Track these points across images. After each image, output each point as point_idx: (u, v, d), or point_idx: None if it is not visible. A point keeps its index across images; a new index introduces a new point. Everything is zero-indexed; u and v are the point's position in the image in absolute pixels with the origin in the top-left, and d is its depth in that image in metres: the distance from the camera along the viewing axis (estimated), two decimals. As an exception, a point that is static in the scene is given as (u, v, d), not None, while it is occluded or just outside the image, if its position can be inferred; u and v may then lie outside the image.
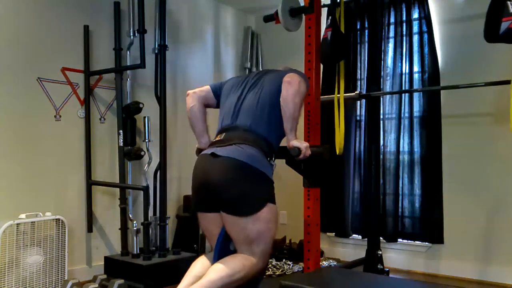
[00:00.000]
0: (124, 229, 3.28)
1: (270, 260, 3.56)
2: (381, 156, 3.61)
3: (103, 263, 3.21)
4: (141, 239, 3.15)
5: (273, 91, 2.12)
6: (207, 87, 2.35)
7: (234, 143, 2.01)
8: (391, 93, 3.67)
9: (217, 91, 2.33)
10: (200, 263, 2.05)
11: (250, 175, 1.96)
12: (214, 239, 2.07)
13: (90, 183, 3.23)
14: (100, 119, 3.38)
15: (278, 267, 3.48)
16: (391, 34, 3.74)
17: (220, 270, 1.87)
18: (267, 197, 1.99)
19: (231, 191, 1.94)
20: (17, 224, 2.62)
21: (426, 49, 3.56)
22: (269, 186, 2.03)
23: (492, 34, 2.26)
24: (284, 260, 3.64)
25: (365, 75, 3.84)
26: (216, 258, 1.98)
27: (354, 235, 3.98)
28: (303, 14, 2.75)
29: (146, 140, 3.42)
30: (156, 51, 3.44)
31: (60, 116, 3.14)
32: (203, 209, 2.07)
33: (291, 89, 2.04)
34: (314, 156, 2.16)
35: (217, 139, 2.13)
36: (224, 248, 2.03)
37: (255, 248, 1.96)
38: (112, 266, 3.15)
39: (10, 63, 2.88)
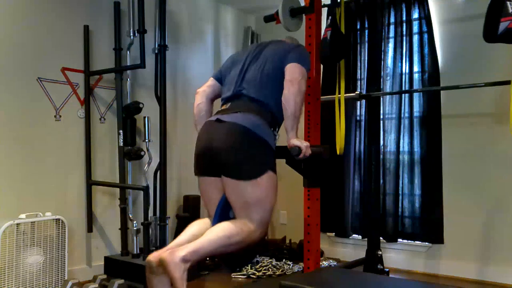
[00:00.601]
0: (124, 229, 3.28)
1: (270, 260, 3.57)
2: (381, 156, 3.61)
3: (103, 263, 3.21)
4: (141, 239, 3.15)
5: (276, 67, 2.16)
6: (210, 79, 2.41)
7: (240, 111, 2.07)
8: (391, 93, 3.67)
9: (219, 77, 2.38)
10: (198, 224, 2.10)
11: (253, 141, 2.00)
12: (212, 203, 2.10)
13: (90, 183, 3.23)
14: (100, 119, 3.38)
15: (278, 267, 3.48)
16: (391, 34, 3.74)
17: (218, 231, 1.90)
18: (268, 164, 2.03)
19: (234, 155, 1.98)
20: (17, 224, 2.61)
21: (426, 49, 3.56)
22: (271, 154, 2.07)
23: (491, 34, 2.26)
24: (284, 260, 3.64)
25: (365, 75, 3.84)
26: (215, 224, 2.00)
27: (354, 235, 3.98)
28: (303, 14, 2.75)
29: (146, 140, 3.42)
30: (156, 51, 3.44)
31: (60, 116, 3.14)
32: (204, 172, 2.10)
33: (293, 88, 2.06)
34: (314, 155, 2.16)
35: (222, 108, 2.18)
36: (223, 215, 2.05)
37: (253, 215, 1.98)
38: (112, 266, 3.15)
39: (10, 63, 2.88)
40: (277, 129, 2.18)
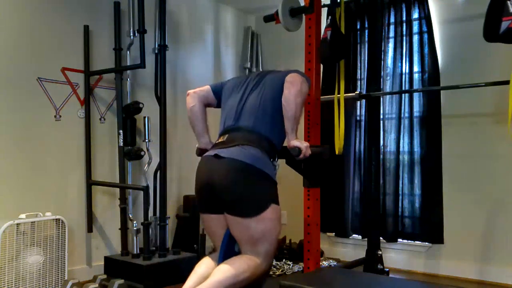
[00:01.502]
0: (124, 229, 3.28)
1: (270, 260, 3.56)
2: (381, 156, 3.61)
3: (103, 263, 3.21)
4: (141, 239, 3.15)
5: (275, 92, 2.13)
6: (207, 87, 2.36)
7: (237, 144, 2.03)
8: (391, 93, 3.67)
9: (217, 91, 2.34)
10: (205, 264, 2.07)
11: (254, 176, 1.97)
12: (217, 239, 2.09)
13: (90, 183, 3.23)
14: (100, 119, 3.38)
15: (278, 267, 3.48)
16: (391, 34, 3.74)
17: (226, 270, 1.89)
18: (270, 198, 2.01)
19: (235, 192, 1.95)
20: (17, 224, 2.61)
21: (426, 49, 3.56)
22: (273, 187, 2.04)
23: (492, 33, 2.26)
24: (284, 260, 3.64)
25: (365, 75, 3.84)
26: (221, 259, 2.01)
27: (354, 235, 3.98)
28: (303, 14, 2.75)
29: (146, 140, 3.42)
30: (156, 51, 3.44)
31: (60, 116, 3.14)
32: (207, 210, 2.08)
33: (293, 89, 2.05)
34: (314, 156, 2.16)
35: (220, 140, 2.13)
36: (229, 250, 2.05)
37: (259, 249, 1.98)
38: (112, 266, 3.15)
39: (10, 63, 2.88)
40: (276, 159, 2.16)
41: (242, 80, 2.30)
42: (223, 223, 2.04)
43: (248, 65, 4.53)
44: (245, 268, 1.91)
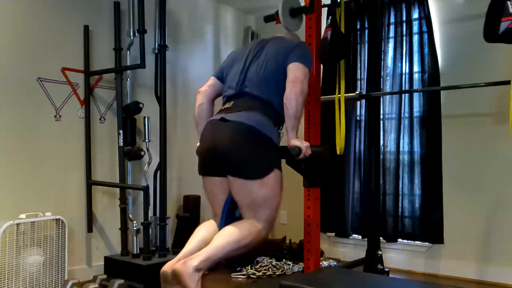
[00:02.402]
0: (124, 229, 3.28)
1: (270, 260, 3.56)
2: (381, 156, 3.61)
3: (103, 263, 3.21)
4: (141, 239, 3.15)
5: (279, 65, 2.15)
6: (211, 78, 2.39)
7: (243, 110, 2.06)
8: (391, 93, 3.67)
9: (221, 75, 2.36)
10: (205, 228, 2.09)
11: (259, 140, 2.00)
12: (217, 203, 2.10)
13: (90, 183, 3.23)
14: (100, 119, 3.38)
15: (278, 267, 3.48)
16: (391, 34, 3.74)
17: (227, 236, 1.90)
18: (274, 163, 2.03)
19: (240, 154, 1.97)
20: (17, 224, 2.62)
21: (426, 49, 3.56)
22: (276, 153, 2.07)
23: (492, 34, 2.26)
24: (284, 260, 3.64)
25: (365, 75, 3.84)
26: (222, 225, 2.01)
27: (354, 235, 3.98)
28: (303, 14, 2.75)
29: (146, 140, 3.42)
30: (156, 51, 3.44)
31: (60, 116, 3.14)
32: (209, 173, 2.09)
33: (295, 89, 2.06)
34: (314, 156, 2.16)
35: (225, 106, 2.16)
36: (230, 215, 2.05)
37: (260, 214, 1.99)
38: (112, 266, 3.15)
39: (10, 63, 2.88)
40: (281, 127, 2.18)
41: (241, 52, 2.34)
42: (225, 187, 2.05)
43: (248, 65, 4.52)
44: (246, 234, 1.92)
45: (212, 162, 2.06)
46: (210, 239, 1.93)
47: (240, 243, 1.90)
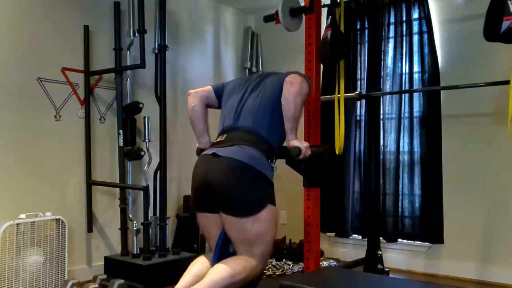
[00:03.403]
0: (124, 229, 3.28)
1: (270, 260, 3.56)
2: (381, 156, 3.61)
3: (103, 263, 3.21)
4: (141, 239, 3.15)
5: (275, 94, 2.12)
6: (208, 87, 2.35)
7: (236, 144, 2.01)
8: (391, 93, 3.67)
9: (218, 92, 2.33)
10: (200, 263, 2.05)
11: (251, 176, 1.96)
12: (212, 239, 2.07)
13: (90, 183, 3.23)
14: (100, 119, 3.38)
15: (278, 267, 3.48)
16: (391, 34, 3.74)
17: (222, 270, 1.87)
18: (267, 198, 1.99)
19: (231, 191, 1.94)
20: (17, 224, 2.61)
21: (426, 49, 3.56)
22: (269, 188, 2.03)
23: (493, 33, 2.26)
24: (284, 260, 3.64)
25: (365, 75, 3.84)
26: (215, 260, 1.98)
27: (354, 235, 3.98)
28: (303, 14, 2.75)
29: (146, 140, 3.42)
30: (156, 51, 3.44)
31: (60, 116, 3.14)
32: (202, 209, 2.07)
33: (293, 89, 2.04)
34: (314, 156, 2.16)
35: (218, 139, 2.13)
36: (223, 250, 2.02)
37: (254, 250, 1.96)
38: (112, 266, 3.15)
39: (10, 63, 2.88)
40: (274, 160, 2.13)
41: (243, 81, 2.30)
42: (219, 222, 2.02)
43: (248, 65, 4.53)
44: (241, 269, 1.89)
45: (204, 198, 2.03)
46: (204, 275, 1.90)
47: (235, 278, 1.86)
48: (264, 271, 2.14)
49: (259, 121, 2.11)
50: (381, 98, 3.55)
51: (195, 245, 3.57)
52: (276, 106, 2.10)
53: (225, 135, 2.12)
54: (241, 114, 2.15)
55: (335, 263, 3.74)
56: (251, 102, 2.16)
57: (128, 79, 3.48)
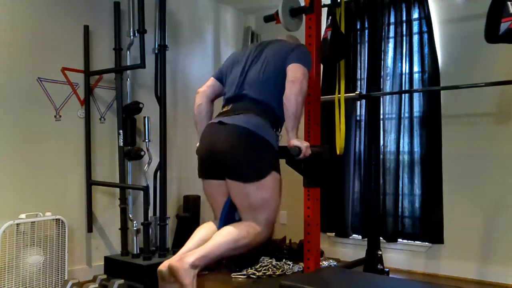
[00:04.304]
0: (124, 229, 3.28)
1: (270, 260, 3.57)
2: (381, 156, 3.61)
3: (103, 263, 3.21)
4: (141, 239, 3.15)
5: (278, 67, 2.16)
6: (211, 79, 2.40)
7: (241, 113, 2.07)
8: (391, 93, 3.67)
9: (220, 77, 2.37)
10: (205, 228, 2.09)
11: (256, 142, 2.00)
12: (218, 206, 2.11)
13: (90, 183, 3.23)
14: (100, 119, 3.38)
15: (278, 267, 3.48)
16: (391, 34, 3.75)
17: (226, 235, 1.91)
18: (272, 165, 2.04)
19: (237, 157, 1.98)
20: (17, 224, 2.61)
21: (426, 49, 3.56)
22: (274, 155, 2.07)
23: (492, 34, 2.26)
24: (284, 260, 3.64)
25: (365, 75, 3.84)
26: (221, 227, 2.01)
27: (354, 235, 3.98)
28: (303, 14, 2.75)
29: (146, 140, 3.42)
30: (156, 51, 3.44)
31: (60, 116, 3.14)
32: (208, 175, 2.10)
33: (294, 89, 2.06)
34: (314, 156, 2.16)
35: (224, 109, 2.18)
36: (229, 217, 2.06)
37: (259, 216, 1.99)
38: (112, 266, 3.15)
39: (10, 63, 2.88)
40: (279, 129, 2.18)
41: (241, 54, 2.34)
42: (224, 190, 2.06)
43: (248, 65, 4.52)
44: (245, 234, 1.92)
45: (211, 165, 2.07)
46: (209, 239, 1.93)
47: (238, 242, 1.90)
48: (271, 238, 2.15)
49: (263, 91, 2.14)
50: (381, 98, 3.55)
51: (195, 245, 3.56)
52: (280, 79, 2.12)
53: (230, 105, 2.17)
54: (244, 85, 2.18)
55: (335, 263, 3.74)
56: (253, 73, 2.19)
57: (128, 79, 3.48)
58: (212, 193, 2.13)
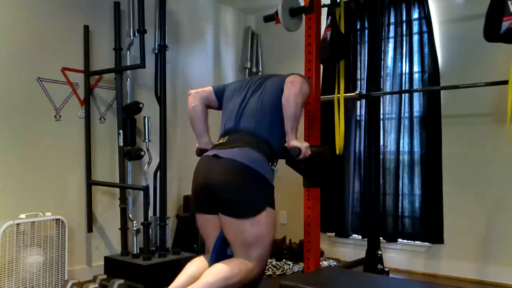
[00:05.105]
0: (124, 229, 3.28)
1: (270, 260, 3.57)
2: (381, 156, 3.61)
3: (103, 263, 3.21)
4: (141, 239, 3.15)
5: (276, 95, 2.13)
6: (209, 88, 2.36)
7: (237, 146, 2.01)
8: (391, 93, 3.67)
9: (219, 93, 2.33)
10: (196, 264, 2.05)
11: (251, 178, 1.96)
12: (211, 241, 2.07)
13: (90, 183, 3.23)
14: (100, 119, 3.38)
15: (278, 267, 3.48)
16: (391, 34, 3.75)
17: (217, 273, 1.86)
18: (266, 201, 1.99)
19: (231, 193, 1.93)
20: (17, 224, 2.62)
21: (426, 49, 3.56)
22: (270, 190, 2.02)
23: (492, 33, 2.26)
24: (284, 260, 3.64)
25: (365, 75, 3.84)
26: (213, 262, 1.98)
27: (354, 235, 3.98)
28: (303, 14, 2.75)
29: (146, 140, 3.42)
30: (156, 51, 3.44)
31: (60, 116, 3.14)
32: (202, 210, 2.06)
33: (293, 89, 2.05)
34: (314, 156, 2.16)
35: (220, 141, 2.13)
36: (221, 252, 2.02)
37: (252, 253, 1.95)
38: (112, 266, 3.15)
39: (10, 63, 2.88)
40: (275, 163, 2.13)
41: (243, 83, 2.30)
42: (218, 224, 2.01)
43: (248, 65, 4.53)
44: (236, 272, 1.88)
45: (204, 199, 2.02)
46: (199, 276, 1.89)
47: (230, 280, 1.85)
48: (265, 271, 2.11)
49: (260, 123, 2.11)
50: (381, 98, 3.55)
51: (195, 245, 3.57)
52: (277, 108, 2.10)
53: (226, 137, 2.12)
54: (243, 116, 2.15)
55: (335, 263, 3.74)
56: (252, 104, 2.16)
57: (128, 79, 3.48)
58: (205, 226, 2.08)
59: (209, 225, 2.05)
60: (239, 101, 2.19)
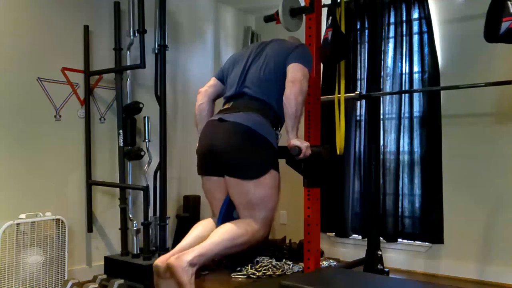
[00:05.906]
0: (124, 229, 3.28)
1: (270, 260, 3.57)
2: (381, 156, 3.61)
3: (103, 263, 3.21)
4: (141, 239, 3.15)
5: (278, 66, 2.17)
6: (212, 79, 2.41)
7: (242, 110, 2.08)
8: (391, 93, 3.67)
9: (222, 76, 2.38)
10: (202, 225, 2.10)
11: (256, 140, 2.01)
12: (216, 203, 2.12)
13: (90, 183, 3.23)
14: (100, 119, 3.38)
15: (278, 267, 3.48)
16: (391, 34, 3.75)
17: (224, 233, 1.91)
18: (270, 163, 2.04)
19: (236, 155, 1.99)
20: (17, 224, 2.61)
21: (426, 49, 3.56)
22: (273, 153, 2.08)
23: (492, 34, 2.26)
24: (284, 260, 3.64)
25: (365, 75, 3.84)
26: (219, 224, 2.01)
27: (354, 235, 3.98)
28: (303, 14, 2.75)
29: (146, 140, 3.42)
30: (156, 51, 3.44)
31: (60, 116, 3.14)
32: (207, 172, 2.11)
33: (294, 88, 2.06)
34: (314, 155, 2.17)
35: (225, 107, 2.19)
36: (227, 215, 2.06)
37: (257, 214, 2.00)
38: (112, 266, 3.15)
39: (10, 63, 2.88)
40: (279, 128, 2.19)
41: (242, 54, 2.36)
42: (223, 187, 2.06)
43: (248, 65, 4.52)
44: (243, 232, 1.92)
45: (210, 162, 2.07)
46: (207, 237, 1.93)
47: (236, 241, 1.90)
48: (268, 236, 2.15)
49: (264, 90, 2.15)
50: (381, 98, 3.55)
51: (195, 245, 3.56)
52: (280, 78, 2.13)
53: (231, 103, 2.18)
54: (245, 83, 2.19)
55: (335, 263, 3.74)
56: (254, 72, 2.20)
57: (128, 79, 3.48)
58: (210, 189, 2.13)
59: (214, 187, 2.10)
60: (240, 70, 2.24)
